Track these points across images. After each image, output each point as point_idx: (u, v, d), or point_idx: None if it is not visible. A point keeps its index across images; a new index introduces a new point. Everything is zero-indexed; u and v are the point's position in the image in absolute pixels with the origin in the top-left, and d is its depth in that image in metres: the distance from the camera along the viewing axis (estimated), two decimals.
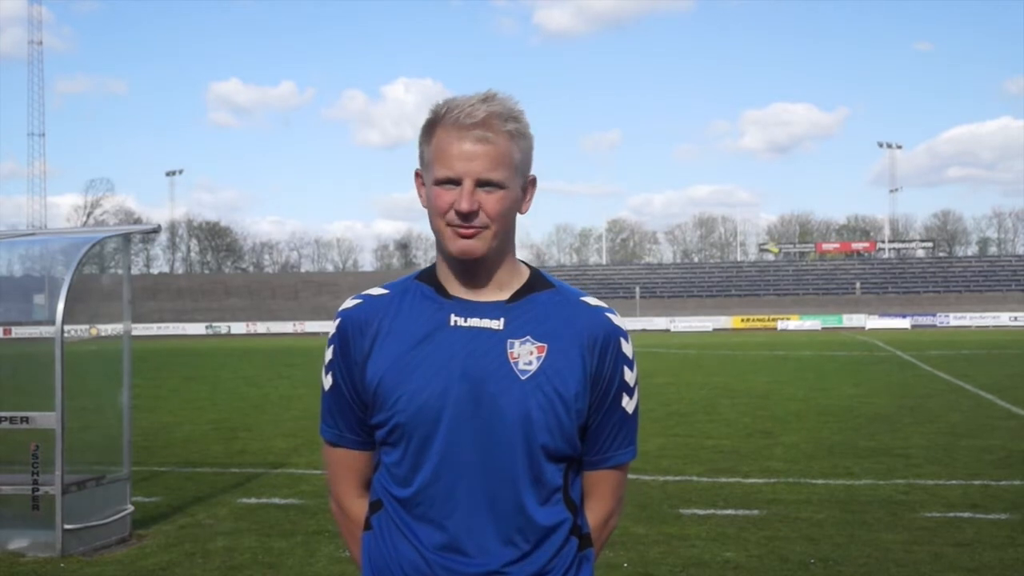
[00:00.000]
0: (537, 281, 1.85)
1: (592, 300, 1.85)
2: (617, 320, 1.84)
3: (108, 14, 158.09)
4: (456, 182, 1.71)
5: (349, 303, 1.87)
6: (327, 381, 1.87)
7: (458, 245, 1.73)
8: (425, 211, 1.80)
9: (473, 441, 1.73)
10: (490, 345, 1.75)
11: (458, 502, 1.74)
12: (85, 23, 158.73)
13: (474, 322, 1.77)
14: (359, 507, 1.89)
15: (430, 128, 1.76)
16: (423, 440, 1.75)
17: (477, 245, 1.73)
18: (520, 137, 1.75)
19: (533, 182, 1.84)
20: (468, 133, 1.70)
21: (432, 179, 1.75)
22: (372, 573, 1.82)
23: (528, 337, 1.77)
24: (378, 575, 1.81)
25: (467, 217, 1.71)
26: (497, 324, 1.77)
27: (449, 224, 1.73)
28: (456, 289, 1.80)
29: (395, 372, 1.76)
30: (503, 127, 1.72)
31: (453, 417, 1.73)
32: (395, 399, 1.76)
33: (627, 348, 1.84)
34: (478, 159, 1.70)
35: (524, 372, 1.74)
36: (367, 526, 1.86)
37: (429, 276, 1.85)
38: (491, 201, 1.72)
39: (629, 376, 1.84)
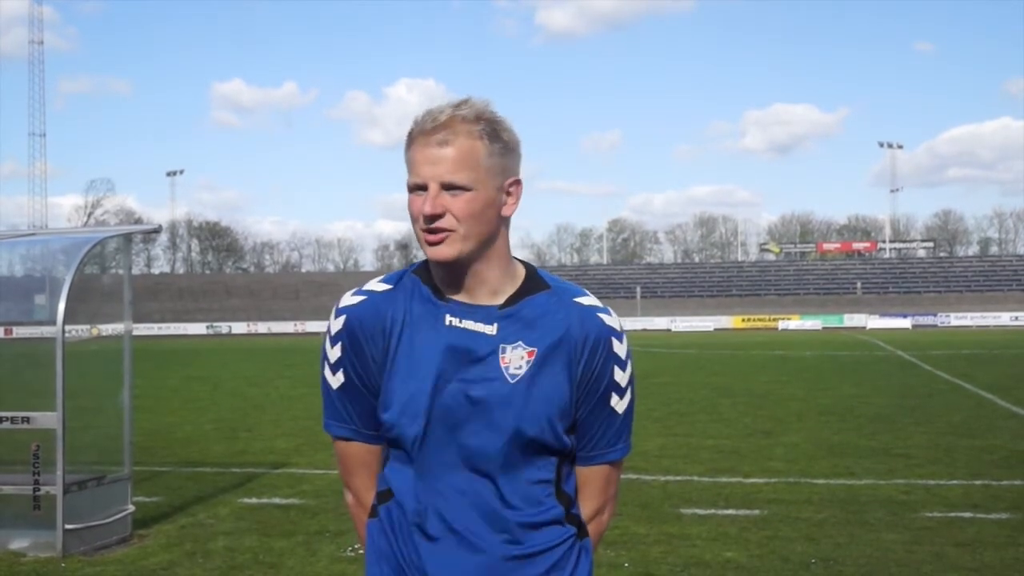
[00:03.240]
0: (533, 283, 1.85)
1: (587, 300, 1.85)
2: (610, 320, 1.84)
3: (112, 14, 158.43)
4: (424, 187, 1.73)
5: (352, 299, 1.86)
6: (337, 379, 1.86)
7: (429, 251, 1.76)
8: None
9: (467, 442, 1.76)
10: (483, 350, 1.77)
11: (455, 501, 1.77)
12: (88, 23, 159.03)
13: (468, 325, 1.79)
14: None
15: (408, 139, 1.79)
16: (418, 440, 1.77)
17: (445, 250, 1.74)
18: (491, 138, 1.75)
19: (517, 183, 1.82)
20: (431, 138, 1.73)
21: (407, 187, 1.78)
22: (376, 560, 1.85)
23: (520, 342, 1.78)
24: (381, 562, 1.84)
25: (431, 220, 1.72)
26: (491, 329, 1.78)
27: (422, 229, 1.75)
28: (450, 292, 1.82)
29: (394, 373, 1.79)
30: (469, 128, 1.73)
31: (447, 419, 1.76)
32: (392, 400, 1.79)
33: (619, 348, 1.84)
34: (441, 162, 1.72)
35: (514, 376, 1.76)
36: (373, 513, 1.88)
37: (426, 276, 1.86)
38: (457, 204, 1.72)
39: (620, 376, 1.84)
